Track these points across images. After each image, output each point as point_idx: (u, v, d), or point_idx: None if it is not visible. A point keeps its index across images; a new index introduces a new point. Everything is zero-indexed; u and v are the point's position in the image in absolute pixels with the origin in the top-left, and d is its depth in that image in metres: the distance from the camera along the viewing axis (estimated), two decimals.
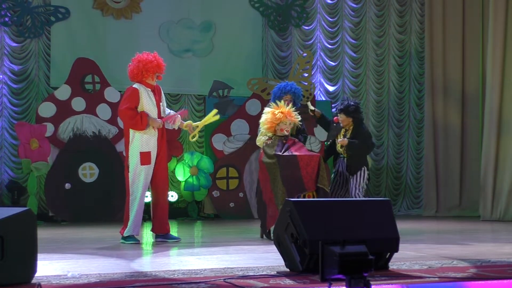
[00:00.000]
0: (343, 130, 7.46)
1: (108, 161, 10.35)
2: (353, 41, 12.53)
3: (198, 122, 6.90)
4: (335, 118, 7.53)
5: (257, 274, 3.95)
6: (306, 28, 12.32)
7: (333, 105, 11.74)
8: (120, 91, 10.73)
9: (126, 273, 4.02)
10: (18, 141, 10.16)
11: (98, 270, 4.17)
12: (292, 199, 4.15)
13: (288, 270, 4.10)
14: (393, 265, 4.27)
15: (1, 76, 10.63)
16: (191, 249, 5.90)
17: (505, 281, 3.67)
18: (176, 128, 6.88)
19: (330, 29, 12.42)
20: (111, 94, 10.53)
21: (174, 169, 11.02)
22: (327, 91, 12.33)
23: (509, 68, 10.43)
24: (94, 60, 10.56)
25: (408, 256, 4.92)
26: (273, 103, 7.00)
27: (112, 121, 10.45)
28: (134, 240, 6.36)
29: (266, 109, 6.97)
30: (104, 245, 6.21)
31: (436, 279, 3.74)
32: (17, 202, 10.11)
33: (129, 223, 6.31)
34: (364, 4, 12.60)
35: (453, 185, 11.87)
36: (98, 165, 10.30)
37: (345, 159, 7.37)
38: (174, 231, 8.73)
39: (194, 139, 7.02)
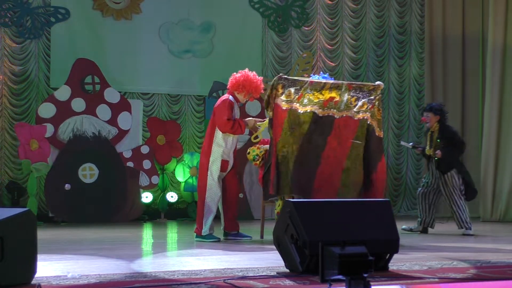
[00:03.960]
0: (429, 133, 7.80)
1: (108, 162, 10.34)
2: (353, 41, 12.53)
3: (261, 123, 6.94)
4: (423, 118, 7.90)
5: (257, 274, 3.95)
6: (306, 28, 12.32)
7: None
8: (120, 92, 10.74)
9: (126, 274, 4.02)
10: (18, 141, 10.16)
11: (98, 271, 4.17)
12: (292, 200, 4.14)
13: (288, 271, 4.10)
14: (393, 265, 4.27)
15: (1, 77, 10.63)
16: (190, 250, 5.90)
17: (505, 282, 3.67)
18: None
19: (330, 30, 12.42)
20: (111, 95, 10.53)
21: (174, 170, 11.02)
22: None
23: (509, 68, 10.44)
24: (94, 61, 10.56)
25: (408, 256, 4.92)
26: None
27: (112, 121, 10.45)
28: (214, 238, 6.68)
29: None
30: (104, 245, 6.21)
31: (436, 279, 3.73)
32: (17, 203, 10.11)
33: (208, 223, 6.69)
34: (364, 5, 12.59)
35: None
36: (98, 166, 10.30)
37: (435, 159, 7.74)
38: (173, 231, 8.75)
39: (257, 140, 7.08)
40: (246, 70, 6.93)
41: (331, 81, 6.50)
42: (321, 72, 8.02)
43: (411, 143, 8.14)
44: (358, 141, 6.28)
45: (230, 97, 6.79)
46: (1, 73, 10.60)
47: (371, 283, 3.13)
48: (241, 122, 6.72)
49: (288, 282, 3.67)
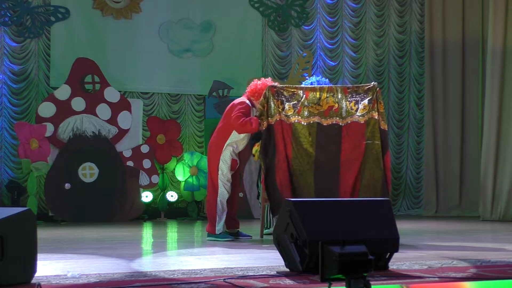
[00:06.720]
0: None
1: (108, 161, 10.35)
2: (353, 41, 12.53)
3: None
4: None
5: (257, 274, 3.95)
6: (306, 28, 12.32)
7: None
8: (120, 91, 10.74)
9: (126, 273, 4.02)
10: (18, 141, 10.16)
11: (98, 270, 4.17)
12: (291, 199, 4.14)
13: (288, 270, 4.10)
14: (393, 265, 4.27)
15: (1, 76, 10.63)
16: (191, 249, 5.90)
17: (505, 281, 3.66)
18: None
19: (330, 29, 12.42)
20: (111, 94, 10.53)
21: (174, 169, 11.02)
22: None
23: (509, 67, 10.43)
24: (94, 60, 10.56)
25: (408, 256, 4.92)
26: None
27: (112, 121, 10.45)
28: (229, 238, 6.71)
29: None
30: (104, 245, 6.20)
31: (436, 279, 3.73)
32: (17, 202, 10.11)
33: (222, 221, 6.71)
34: (364, 4, 12.60)
35: (453, 185, 11.86)
36: (98, 165, 10.30)
37: None
38: (173, 231, 8.74)
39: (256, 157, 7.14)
40: (269, 79, 6.91)
41: (326, 86, 6.53)
42: (317, 74, 7.96)
43: None
44: (370, 141, 6.34)
45: (248, 102, 6.81)
46: (1, 73, 10.60)
47: (371, 283, 3.12)
48: (256, 118, 6.61)
49: (288, 281, 3.67)
